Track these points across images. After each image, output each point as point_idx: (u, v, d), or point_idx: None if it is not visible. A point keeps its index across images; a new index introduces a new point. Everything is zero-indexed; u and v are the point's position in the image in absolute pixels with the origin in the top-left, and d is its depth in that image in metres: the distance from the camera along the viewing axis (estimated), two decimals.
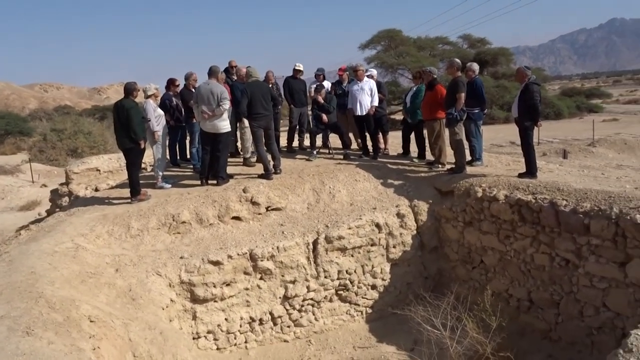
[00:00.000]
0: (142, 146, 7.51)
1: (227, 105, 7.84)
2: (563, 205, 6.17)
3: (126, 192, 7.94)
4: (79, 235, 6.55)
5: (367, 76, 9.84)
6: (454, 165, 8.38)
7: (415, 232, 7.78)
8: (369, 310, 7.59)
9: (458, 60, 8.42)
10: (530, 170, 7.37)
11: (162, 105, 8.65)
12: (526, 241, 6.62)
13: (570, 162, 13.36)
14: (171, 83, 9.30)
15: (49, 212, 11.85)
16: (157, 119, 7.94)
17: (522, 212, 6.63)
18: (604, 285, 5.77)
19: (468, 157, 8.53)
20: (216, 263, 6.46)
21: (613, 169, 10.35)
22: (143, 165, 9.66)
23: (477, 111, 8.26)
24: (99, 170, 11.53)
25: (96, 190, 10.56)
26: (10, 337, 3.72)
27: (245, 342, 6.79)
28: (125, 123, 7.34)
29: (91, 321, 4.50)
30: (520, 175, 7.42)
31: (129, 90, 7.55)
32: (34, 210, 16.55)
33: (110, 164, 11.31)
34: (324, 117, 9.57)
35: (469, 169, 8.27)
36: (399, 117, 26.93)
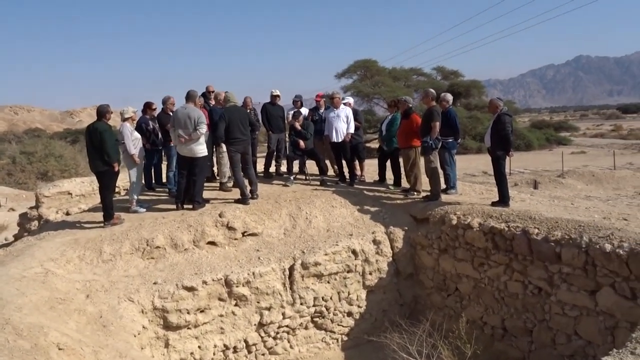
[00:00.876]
0: (116, 169, 7.41)
1: (204, 129, 7.83)
2: (535, 234, 6.29)
3: (99, 216, 7.79)
4: (49, 260, 6.37)
5: (344, 104, 9.97)
6: (429, 193, 8.49)
7: (391, 258, 7.81)
8: (345, 338, 7.53)
9: (433, 91, 8.62)
10: (503, 199, 7.52)
11: (138, 128, 8.59)
12: (500, 269, 6.72)
13: (541, 193, 13.69)
14: (147, 107, 9.25)
15: (17, 237, 11.52)
16: (134, 142, 7.87)
17: (495, 240, 6.74)
18: (576, 314, 5.88)
19: (443, 186, 8.66)
20: (190, 289, 6.34)
21: (582, 199, 10.63)
22: (117, 189, 9.52)
23: (451, 140, 8.42)
24: (71, 194, 11.32)
25: (67, 214, 10.35)
26: None
27: None
28: (98, 146, 7.24)
29: (60, 349, 4.35)
30: (494, 204, 7.55)
31: (102, 112, 7.46)
32: (1, 235, 16.06)
33: (82, 188, 11.11)
34: (301, 143, 9.63)
35: (443, 197, 8.38)
36: (374, 145, 27.25)
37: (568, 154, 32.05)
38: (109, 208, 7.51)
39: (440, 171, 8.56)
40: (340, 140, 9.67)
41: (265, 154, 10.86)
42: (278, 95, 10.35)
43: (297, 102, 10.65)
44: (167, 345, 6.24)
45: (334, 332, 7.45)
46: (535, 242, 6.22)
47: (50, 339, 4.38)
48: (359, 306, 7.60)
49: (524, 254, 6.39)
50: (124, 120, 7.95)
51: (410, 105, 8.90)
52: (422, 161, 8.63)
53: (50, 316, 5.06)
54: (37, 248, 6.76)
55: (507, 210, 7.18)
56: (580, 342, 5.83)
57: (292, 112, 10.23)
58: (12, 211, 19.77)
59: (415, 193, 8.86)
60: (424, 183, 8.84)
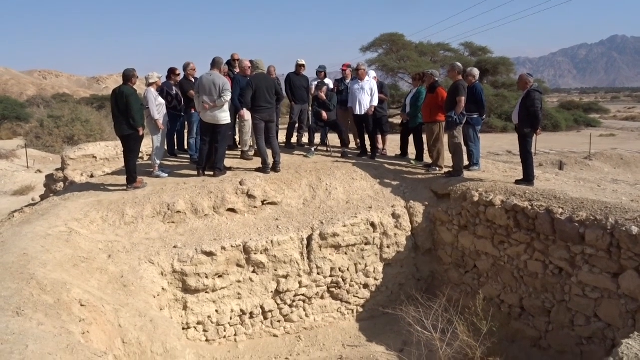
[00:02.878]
0: (141, 133, 7.47)
1: (228, 96, 7.81)
2: (559, 214, 6.17)
3: (122, 179, 7.90)
4: (73, 220, 6.51)
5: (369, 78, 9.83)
6: (451, 169, 8.39)
7: (409, 233, 7.78)
8: (360, 309, 7.57)
9: (459, 64, 8.43)
10: (528, 178, 7.39)
11: (162, 93, 8.63)
12: (520, 247, 6.63)
13: (566, 174, 13.41)
14: (172, 72, 9.27)
15: (43, 197, 11.80)
16: (158, 108, 7.91)
17: (517, 218, 6.64)
18: (596, 296, 5.78)
19: (465, 162, 8.54)
20: (209, 254, 6.43)
21: (609, 182, 10.40)
22: (140, 154, 9.62)
23: (476, 116, 8.26)
24: (96, 157, 11.51)
25: (92, 176, 10.53)
26: (0, 316, 3.68)
27: (235, 335, 6.76)
28: (123, 110, 7.30)
29: (82, 305, 4.46)
30: (518, 182, 7.43)
31: (128, 76, 7.49)
32: (28, 195, 16.49)
33: (107, 152, 11.27)
34: (324, 114, 9.56)
35: (466, 174, 8.28)
36: (397, 120, 26.97)
37: (596, 136, 31.23)
38: (132, 172, 7.61)
39: (464, 147, 8.43)
40: (363, 112, 9.57)
41: (287, 125, 10.83)
42: (303, 65, 10.20)
43: (321, 72, 10.53)
44: (185, 307, 6.37)
45: (350, 303, 7.50)
46: (559, 221, 6.10)
47: (73, 295, 4.49)
48: (375, 279, 7.61)
49: (547, 234, 6.28)
50: (149, 85, 7.98)
51: (437, 79, 8.73)
52: (445, 137, 8.51)
53: (74, 274, 5.18)
54: (62, 208, 6.91)
55: (531, 188, 7.05)
56: (599, 324, 5.75)
57: (316, 82, 10.13)
58: (39, 173, 20.25)
59: (437, 168, 8.77)
60: (447, 159, 8.73)
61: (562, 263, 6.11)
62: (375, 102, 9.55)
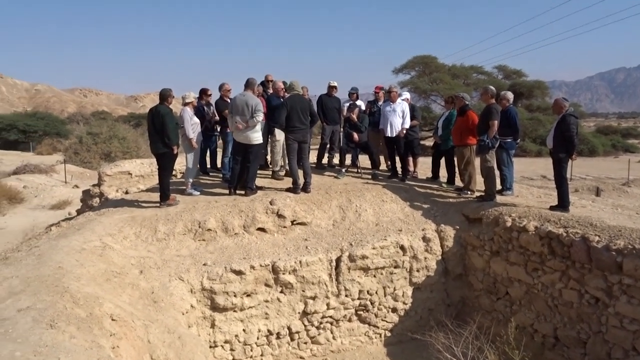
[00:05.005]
0: (175, 152, 7.63)
1: (260, 117, 7.93)
2: (595, 241, 6.00)
3: (155, 196, 8.06)
4: (107, 235, 6.65)
5: (401, 99, 9.84)
6: (483, 193, 8.27)
7: (440, 257, 7.67)
8: (388, 334, 7.47)
9: (492, 88, 8.35)
10: (563, 204, 7.22)
11: (197, 112, 8.80)
12: (555, 275, 6.45)
13: (603, 200, 13.04)
14: (203, 93, 9.45)
15: (79, 212, 12.11)
16: (193, 127, 8.08)
17: (552, 245, 6.48)
18: (635, 328, 5.56)
19: (498, 186, 8.41)
20: (238, 273, 6.47)
21: None
22: (173, 172, 9.81)
23: (509, 140, 8.14)
24: (131, 174, 11.77)
25: (126, 192, 10.77)
26: (34, 328, 3.77)
27: (262, 355, 6.74)
28: (159, 128, 7.48)
29: (113, 320, 4.53)
30: (552, 208, 7.27)
31: (164, 96, 7.70)
32: (65, 210, 16.96)
33: (142, 169, 11.52)
34: (355, 135, 9.59)
35: (498, 198, 8.15)
36: (429, 142, 26.80)
37: (635, 162, 30.31)
38: (165, 189, 7.76)
39: (497, 172, 8.31)
40: (394, 135, 9.57)
41: (318, 145, 10.89)
42: (335, 87, 10.28)
43: (353, 94, 10.60)
44: (213, 325, 6.39)
45: (378, 327, 7.40)
46: (595, 250, 5.93)
47: (105, 310, 4.57)
48: (404, 303, 7.51)
49: (582, 262, 6.10)
50: (185, 104, 8.16)
51: (467, 103, 8.67)
52: (477, 160, 8.41)
53: (106, 288, 5.27)
54: (97, 223, 7.07)
55: (566, 215, 6.88)
56: (638, 358, 5.52)
57: (348, 104, 10.19)
58: (76, 188, 20.82)
59: (468, 192, 8.66)
60: (479, 183, 8.61)
61: (599, 293, 5.91)
62: (407, 125, 9.55)
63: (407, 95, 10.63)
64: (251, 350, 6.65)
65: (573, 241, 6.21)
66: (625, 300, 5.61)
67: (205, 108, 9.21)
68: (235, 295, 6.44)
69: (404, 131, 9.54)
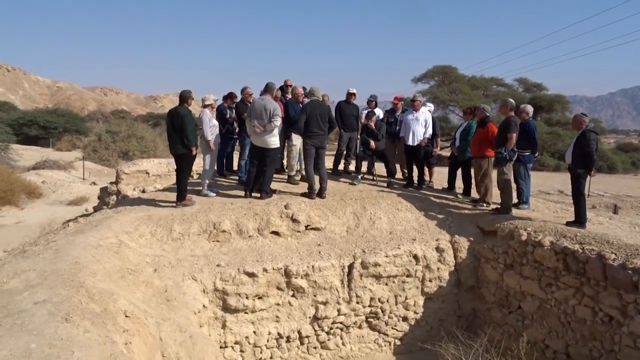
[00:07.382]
0: (194, 153, 7.71)
1: (278, 121, 7.98)
2: (611, 259, 5.93)
3: (172, 196, 8.15)
4: (124, 233, 6.75)
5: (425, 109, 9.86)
6: (499, 206, 8.22)
7: (453, 268, 7.64)
8: (398, 342, 7.44)
9: (512, 100, 8.31)
10: (580, 220, 7.15)
11: (219, 114, 8.86)
12: (569, 291, 6.39)
13: (621, 218, 12.84)
14: (230, 96, 9.49)
15: (96, 209, 12.27)
16: (211, 129, 8.16)
17: (567, 261, 6.42)
18: None
19: (514, 200, 8.35)
20: (251, 275, 6.51)
21: None
22: (191, 173, 9.90)
23: (527, 154, 8.10)
24: (148, 173, 11.91)
25: (143, 191, 10.90)
26: (49, 321, 3.83)
27: (271, 357, 6.76)
28: (179, 129, 7.57)
29: (126, 316, 4.59)
30: (569, 224, 7.20)
31: (184, 97, 7.79)
32: (82, 206, 17.19)
33: (159, 168, 11.64)
34: (372, 143, 9.60)
35: (514, 212, 8.09)
36: (446, 153, 26.66)
37: None
38: (182, 189, 7.84)
39: (513, 185, 8.26)
40: (415, 143, 9.56)
41: (334, 152, 10.92)
42: (354, 94, 10.30)
43: (372, 102, 10.63)
44: (224, 326, 6.44)
45: (387, 335, 7.38)
46: (611, 267, 5.86)
47: (119, 306, 4.63)
48: (415, 312, 7.48)
49: (597, 279, 6.04)
50: (204, 106, 8.25)
51: (488, 114, 8.64)
52: (494, 172, 8.37)
53: (120, 284, 5.35)
54: (113, 220, 7.18)
55: (583, 231, 6.82)
56: None
57: (366, 111, 10.21)
58: (94, 185, 21.11)
59: (484, 204, 8.62)
60: (495, 195, 8.57)
61: (613, 311, 5.84)
62: (429, 134, 9.55)
63: (431, 106, 10.60)
64: (261, 353, 6.68)
65: (589, 258, 6.14)
66: None
67: (228, 111, 9.29)
68: (247, 297, 6.48)
69: (426, 140, 9.53)
